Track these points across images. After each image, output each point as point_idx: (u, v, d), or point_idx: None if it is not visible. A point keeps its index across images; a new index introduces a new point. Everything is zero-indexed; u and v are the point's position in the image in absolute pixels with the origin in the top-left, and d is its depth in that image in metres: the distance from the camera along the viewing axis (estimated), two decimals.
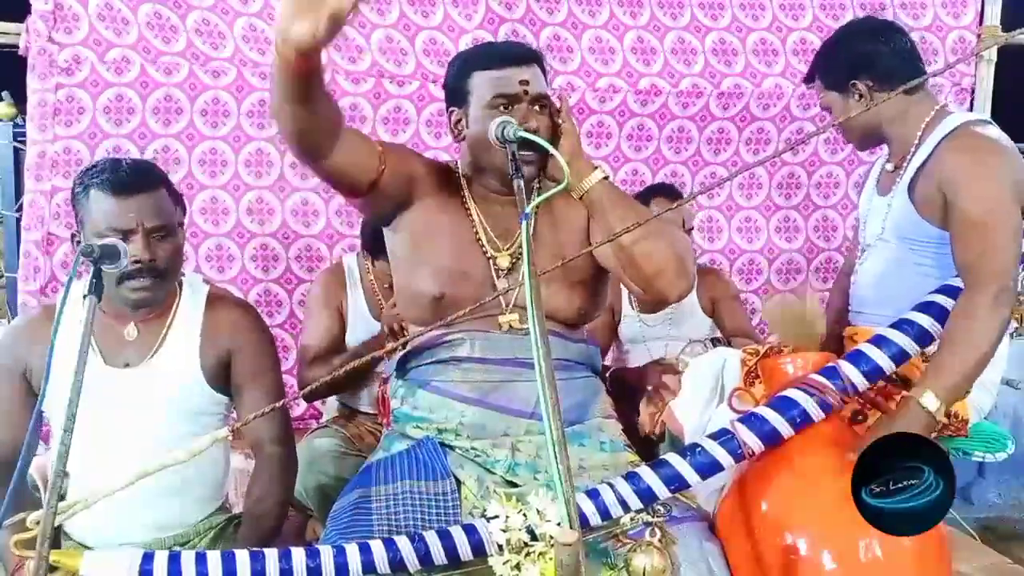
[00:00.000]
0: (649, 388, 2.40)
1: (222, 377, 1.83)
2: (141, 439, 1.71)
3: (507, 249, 1.76)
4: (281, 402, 1.63)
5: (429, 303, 1.73)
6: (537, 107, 1.69)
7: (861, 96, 1.98)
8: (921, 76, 1.92)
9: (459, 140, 1.79)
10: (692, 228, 2.95)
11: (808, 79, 2.15)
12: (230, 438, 1.49)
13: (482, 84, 1.70)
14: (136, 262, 1.66)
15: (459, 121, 1.76)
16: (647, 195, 2.79)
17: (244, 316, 1.88)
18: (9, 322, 2.84)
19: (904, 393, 1.72)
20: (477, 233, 1.76)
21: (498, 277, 1.74)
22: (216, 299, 1.87)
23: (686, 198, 1.91)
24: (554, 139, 1.64)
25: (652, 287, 1.67)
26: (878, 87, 1.96)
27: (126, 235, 1.66)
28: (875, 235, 2.05)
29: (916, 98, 1.96)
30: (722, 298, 2.91)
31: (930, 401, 1.64)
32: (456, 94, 1.75)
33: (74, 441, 1.29)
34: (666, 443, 2.31)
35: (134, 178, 1.70)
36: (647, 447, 2.27)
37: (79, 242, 1.73)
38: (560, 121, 1.68)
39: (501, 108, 1.67)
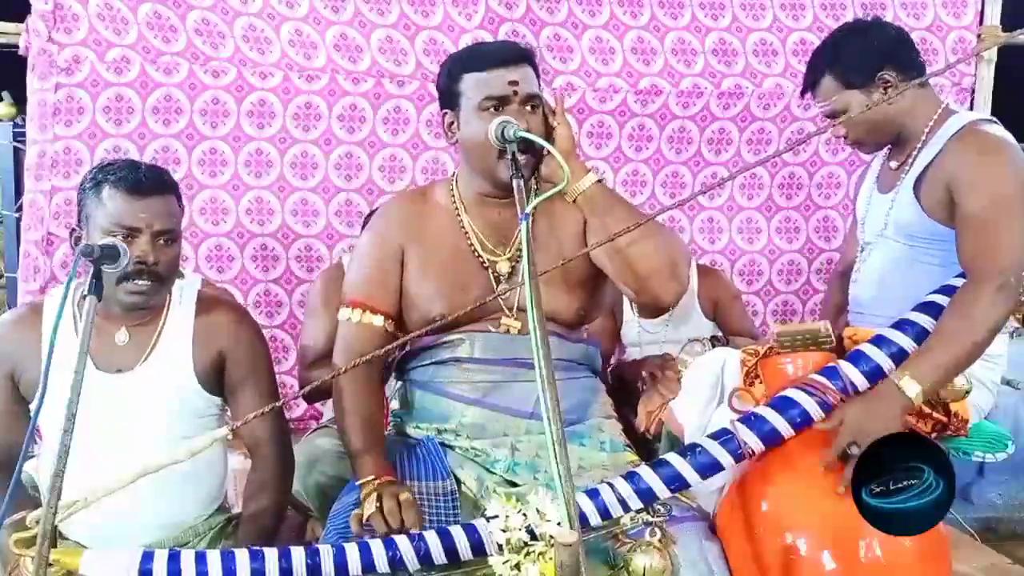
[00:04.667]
0: (646, 375, 2.38)
1: (215, 379, 1.81)
2: (136, 444, 1.69)
3: (505, 254, 1.76)
4: (280, 402, 1.64)
5: (434, 321, 1.72)
6: (528, 107, 1.68)
7: (887, 86, 1.92)
8: (925, 73, 1.93)
9: (452, 143, 1.78)
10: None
11: (810, 87, 2.03)
12: (229, 437, 1.50)
13: (472, 86, 1.69)
14: (139, 262, 1.64)
15: (452, 124, 1.75)
16: None
17: (235, 317, 1.86)
18: None
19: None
20: (472, 244, 1.76)
21: (498, 284, 1.74)
22: (206, 301, 1.84)
23: (686, 197, 1.91)
24: (548, 139, 1.63)
25: (645, 289, 1.67)
26: (902, 77, 1.93)
27: (132, 234, 1.65)
28: (876, 232, 2.04)
29: (922, 95, 1.96)
30: (723, 299, 2.89)
31: (908, 385, 1.59)
32: (448, 96, 1.75)
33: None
34: (663, 443, 2.31)
35: (149, 180, 1.72)
36: (647, 447, 2.26)
37: (79, 238, 1.71)
38: (555, 123, 1.67)
39: (492, 110, 1.66)
